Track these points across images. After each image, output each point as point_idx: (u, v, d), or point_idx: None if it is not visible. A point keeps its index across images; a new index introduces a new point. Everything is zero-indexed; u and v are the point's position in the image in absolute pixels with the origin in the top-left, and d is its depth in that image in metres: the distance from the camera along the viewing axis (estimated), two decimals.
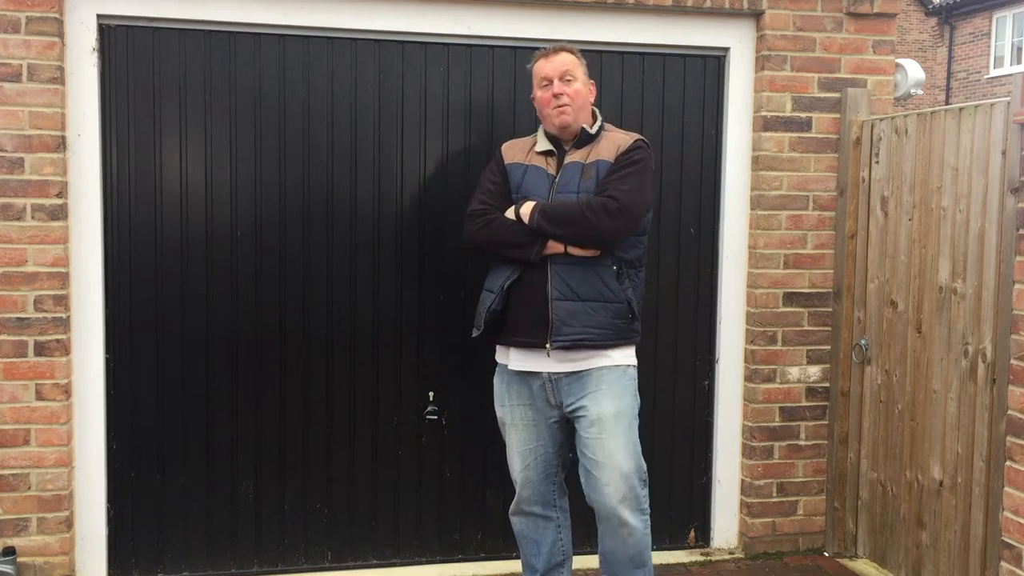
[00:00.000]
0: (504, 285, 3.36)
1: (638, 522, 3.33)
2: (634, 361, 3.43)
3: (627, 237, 3.31)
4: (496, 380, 3.58)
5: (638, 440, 3.38)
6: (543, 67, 3.43)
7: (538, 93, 3.44)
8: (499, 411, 3.57)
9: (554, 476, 3.56)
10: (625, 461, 3.29)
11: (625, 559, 3.38)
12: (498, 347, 3.53)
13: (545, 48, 3.48)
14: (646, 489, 3.38)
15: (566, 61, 3.40)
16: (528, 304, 3.32)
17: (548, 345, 3.27)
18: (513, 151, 3.54)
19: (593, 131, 3.41)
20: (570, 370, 3.34)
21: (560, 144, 3.46)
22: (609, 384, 3.32)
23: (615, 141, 3.39)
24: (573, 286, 3.26)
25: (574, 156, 3.40)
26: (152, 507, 3.99)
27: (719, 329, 4.37)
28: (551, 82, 3.38)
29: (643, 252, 3.45)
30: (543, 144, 3.49)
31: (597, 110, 3.51)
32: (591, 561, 4.24)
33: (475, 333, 3.49)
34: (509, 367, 3.47)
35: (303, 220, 4.00)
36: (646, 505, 3.37)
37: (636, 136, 3.44)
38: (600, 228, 3.23)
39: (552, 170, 3.43)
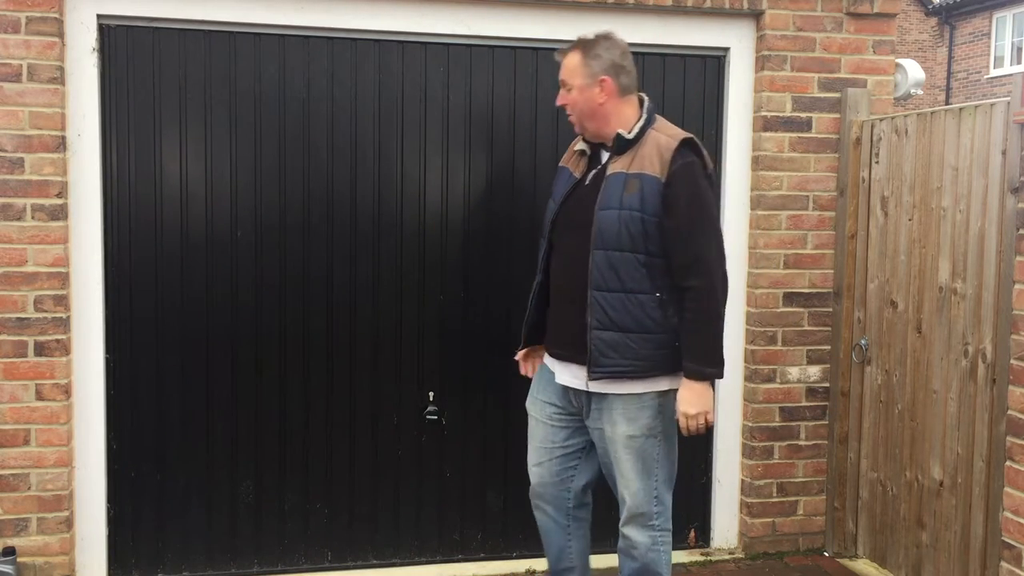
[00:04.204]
0: (531, 300, 3.33)
1: (643, 537, 3.25)
2: (672, 386, 3.17)
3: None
4: (535, 373, 3.45)
5: (662, 455, 3.22)
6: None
7: None
8: (527, 401, 3.45)
9: (569, 482, 3.40)
10: (633, 480, 3.21)
11: (633, 567, 3.32)
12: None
13: (565, 48, 3.24)
14: (660, 506, 3.26)
15: (564, 67, 3.18)
16: (568, 324, 3.16)
17: (587, 375, 3.11)
18: (567, 152, 3.36)
19: (631, 136, 3.09)
20: (597, 391, 3.18)
21: (599, 146, 3.23)
22: (626, 405, 3.15)
23: (658, 146, 3.05)
24: (613, 316, 3.05)
25: (616, 166, 3.09)
26: (152, 507, 3.99)
27: None
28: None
29: None
30: (581, 143, 3.28)
31: (645, 101, 3.19)
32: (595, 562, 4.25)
33: (518, 350, 3.45)
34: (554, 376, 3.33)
35: (303, 220, 4.00)
36: (658, 521, 3.26)
37: (680, 136, 3.09)
38: (722, 300, 3.09)
39: (578, 172, 3.24)
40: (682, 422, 3.10)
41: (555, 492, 3.41)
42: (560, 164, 3.36)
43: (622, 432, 3.17)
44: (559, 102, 3.22)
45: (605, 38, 3.17)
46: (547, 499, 3.44)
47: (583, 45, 3.15)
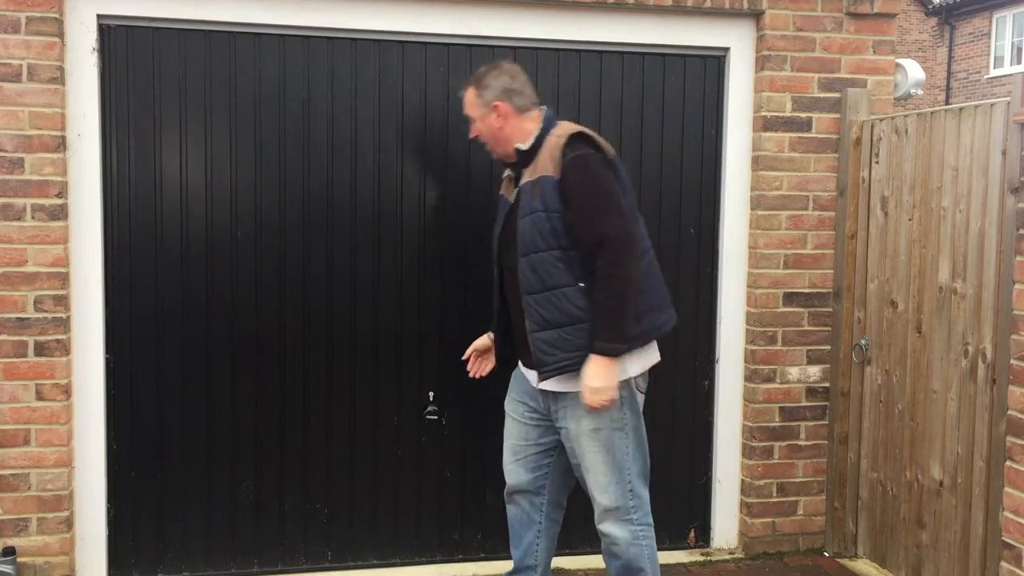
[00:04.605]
0: (493, 324, 3.53)
1: (623, 532, 3.30)
2: (624, 376, 3.22)
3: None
4: (513, 375, 3.59)
5: (632, 448, 3.28)
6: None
7: None
8: (506, 401, 3.59)
9: (544, 479, 3.53)
10: (603, 474, 3.27)
11: (616, 566, 3.37)
12: None
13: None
14: (636, 500, 3.31)
15: (465, 104, 3.38)
16: (521, 334, 3.32)
17: (537, 379, 3.27)
18: (503, 182, 3.51)
19: (527, 146, 3.24)
20: (556, 390, 3.28)
21: (519, 167, 3.35)
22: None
23: (550, 147, 3.19)
24: (545, 315, 3.17)
25: (526, 177, 3.24)
26: (152, 507, 3.99)
27: (719, 329, 4.37)
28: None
29: None
30: (508, 171, 3.45)
31: (542, 111, 3.33)
32: (591, 562, 4.25)
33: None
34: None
35: (303, 220, 4.00)
36: (636, 515, 3.31)
37: (568, 133, 3.18)
38: (631, 275, 3.11)
39: (511, 196, 3.36)
40: (586, 395, 3.12)
41: (530, 488, 3.54)
42: (500, 194, 3.50)
43: (586, 426, 3.24)
44: (471, 135, 3.40)
45: (493, 68, 3.36)
46: (522, 495, 3.56)
47: (474, 80, 3.36)
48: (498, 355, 3.58)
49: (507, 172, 3.45)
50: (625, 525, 3.30)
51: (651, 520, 3.37)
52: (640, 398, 3.34)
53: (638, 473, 3.32)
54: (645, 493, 3.35)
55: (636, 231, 3.19)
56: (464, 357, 3.73)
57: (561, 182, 3.13)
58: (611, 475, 3.27)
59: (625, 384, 3.25)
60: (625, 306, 3.11)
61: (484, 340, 3.73)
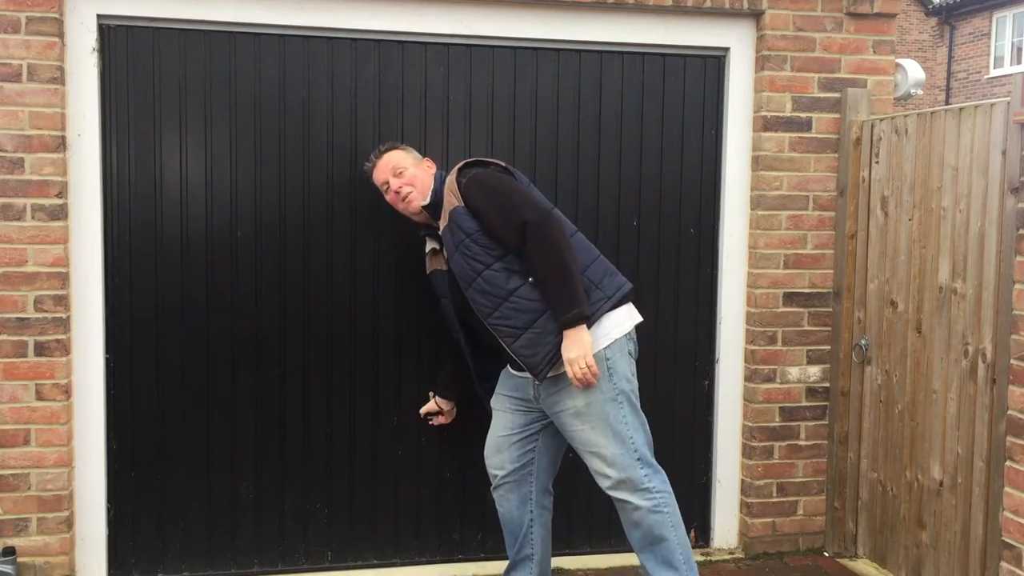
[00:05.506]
0: (468, 353, 3.66)
1: (641, 500, 3.33)
2: (607, 341, 3.34)
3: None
4: (501, 374, 3.70)
5: (630, 418, 3.35)
6: (376, 175, 3.65)
7: (387, 199, 3.64)
8: (493, 399, 3.71)
9: (531, 465, 3.64)
10: (606, 446, 3.32)
11: (637, 537, 3.40)
12: None
13: (372, 158, 3.68)
14: (648, 469, 3.35)
15: (391, 159, 3.59)
16: (499, 356, 3.49)
17: (537, 381, 3.37)
18: (427, 263, 3.76)
19: (428, 201, 3.52)
20: (550, 375, 3.37)
21: (434, 229, 3.57)
22: None
23: (448, 188, 3.43)
24: (513, 323, 3.30)
25: (441, 226, 3.45)
26: (152, 507, 3.99)
27: (719, 329, 4.38)
28: (388, 183, 3.58)
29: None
30: (429, 245, 3.68)
31: (433, 169, 3.64)
32: (594, 561, 4.26)
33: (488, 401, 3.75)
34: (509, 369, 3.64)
35: (303, 220, 4.00)
36: (650, 484, 3.34)
37: (455, 169, 3.45)
38: (560, 245, 3.24)
39: (443, 264, 3.57)
40: (567, 370, 3.24)
41: (517, 477, 3.64)
42: (428, 274, 3.74)
43: (580, 402, 3.32)
44: (397, 186, 3.54)
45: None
46: (509, 487, 3.65)
47: (394, 146, 3.69)
48: (484, 392, 3.75)
49: (430, 247, 3.67)
50: (643, 494, 3.34)
51: (670, 489, 3.40)
52: (630, 365, 3.40)
53: (644, 443, 3.37)
54: (656, 464, 3.40)
55: (543, 206, 3.35)
56: (422, 413, 4.04)
57: (467, 205, 3.33)
58: (615, 447, 3.31)
59: (611, 349, 3.33)
60: (568, 271, 3.23)
61: (431, 405, 4.03)
